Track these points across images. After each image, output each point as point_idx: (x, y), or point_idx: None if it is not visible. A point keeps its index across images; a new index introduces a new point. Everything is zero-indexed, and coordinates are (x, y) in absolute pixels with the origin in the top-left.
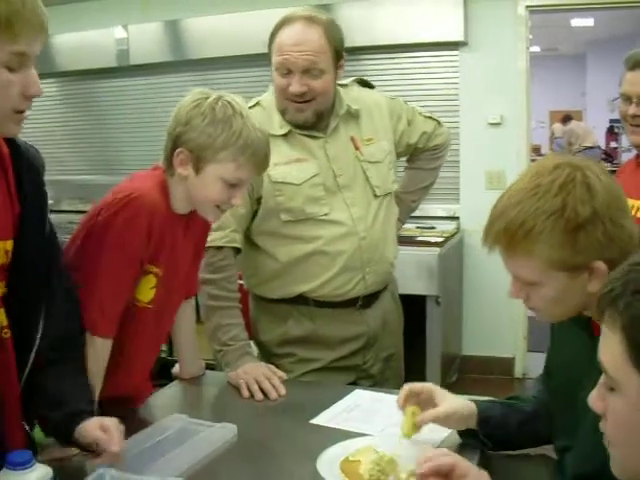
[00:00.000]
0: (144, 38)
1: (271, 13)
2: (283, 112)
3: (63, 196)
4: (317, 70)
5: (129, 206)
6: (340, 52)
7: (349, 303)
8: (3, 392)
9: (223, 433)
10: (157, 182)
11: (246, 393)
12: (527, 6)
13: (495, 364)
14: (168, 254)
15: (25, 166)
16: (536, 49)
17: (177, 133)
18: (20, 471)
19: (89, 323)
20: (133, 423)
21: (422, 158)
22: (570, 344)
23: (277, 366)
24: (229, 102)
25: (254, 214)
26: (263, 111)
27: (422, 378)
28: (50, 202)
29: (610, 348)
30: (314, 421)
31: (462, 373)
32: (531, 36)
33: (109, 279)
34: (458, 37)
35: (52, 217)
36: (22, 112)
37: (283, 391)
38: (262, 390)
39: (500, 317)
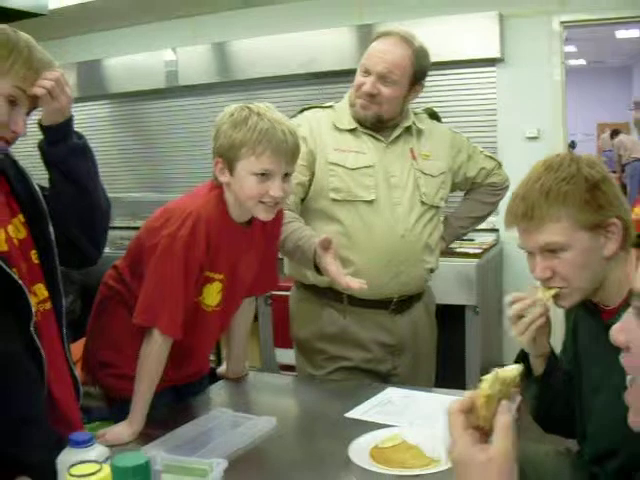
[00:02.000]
0: (192, 60)
1: (314, 34)
2: (353, 107)
3: (115, 213)
4: (391, 80)
5: (187, 221)
6: (419, 78)
7: (382, 304)
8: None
9: (263, 424)
10: (213, 196)
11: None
12: (561, 22)
13: None
14: (229, 261)
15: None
16: (582, 62)
17: (213, 147)
18: (82, 449)
19: (153, 319)
20: (179, 417)
21: (479, 192)
22: (581, 334)
23: (310, 362)
24: (248, 107)
25: (307, 190)
26: (333, 111)
27: (462, 387)
28: None
29: None
30: (349, 415)
31: None
32: (576, 49)
33: (175, 283)
34: (494, 54)
35: None
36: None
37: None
38: None
39: None
